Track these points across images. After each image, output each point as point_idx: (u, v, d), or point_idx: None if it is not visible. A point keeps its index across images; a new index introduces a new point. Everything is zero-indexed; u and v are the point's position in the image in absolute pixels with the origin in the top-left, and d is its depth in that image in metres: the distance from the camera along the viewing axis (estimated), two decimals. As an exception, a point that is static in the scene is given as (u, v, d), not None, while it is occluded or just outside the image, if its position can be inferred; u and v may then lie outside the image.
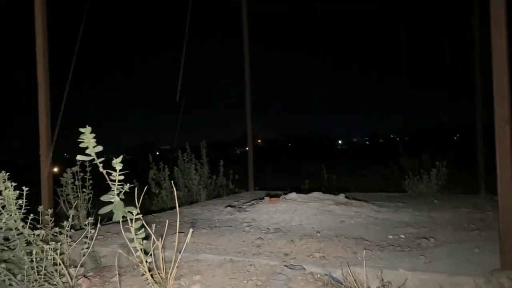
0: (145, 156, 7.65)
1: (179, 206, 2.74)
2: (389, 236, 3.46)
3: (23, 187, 3.04)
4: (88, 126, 2.41)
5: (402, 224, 3.95)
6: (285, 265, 2.76)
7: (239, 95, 7.46)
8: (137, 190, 2.51)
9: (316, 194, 5.04)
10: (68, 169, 4.89)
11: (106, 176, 2.38)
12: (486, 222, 3.93)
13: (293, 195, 4.95)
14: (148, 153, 7.86)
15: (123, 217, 2.34)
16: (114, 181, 2.36)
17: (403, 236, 3.46)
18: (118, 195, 2.37)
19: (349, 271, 2.56)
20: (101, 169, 2.40)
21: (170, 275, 2.48)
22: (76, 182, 4.88)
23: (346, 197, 4.99)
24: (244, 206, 5.05)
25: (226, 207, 5.06)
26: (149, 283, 2.44)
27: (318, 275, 2.66)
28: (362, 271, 2.51)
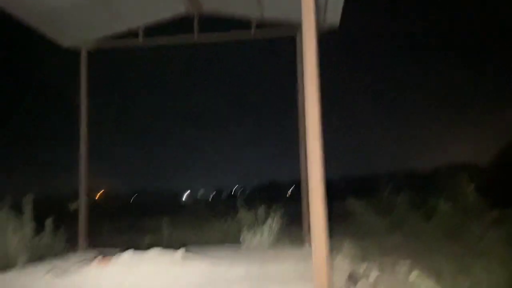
0: None
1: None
2: (221, 293, 3.48)
3: None
4: None
5: (236, 278, 4.03)
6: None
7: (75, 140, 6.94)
8: None
9: (154, 251, 4.86)
10: None
11: None
12: (309, 272, 4.26)
13: (127, 254, 4.68)
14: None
15: None
16: None
17: (235, 292, 3.52)
18: None
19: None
20: None
21: None
22: None
23: (185, 253, 4.91)
24: (71, 270, 4.55)
25: (48, 271, 4.49)
26: None
27: None
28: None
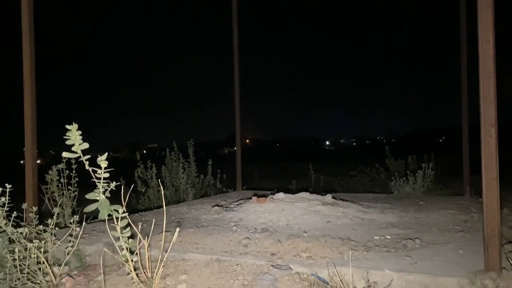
0: (132, 154, 7.62)
1: (166, 205, 2.73)
2: (375, 237, 3.48)
3: (6, 185, 3.00)
4: (75, 123, 2.38)
5: (388, 225, 3.98)
6: (272, 265, 2.75)
7: (228, 95, 7.44)
8: (124, 188, 2.49)
9: (303, 194, 5.05)
10: (54, 166, 4.83)
11: (92, 174, 2.35)
12: (471, 223, 3.98)
13: (280, 195, 4.96)
14: (135, 151, 7.83)
15: (109, 215, 2.31)
16: (100, 179, 2.33)
17: (389, 237, 3.48)
18: (103, 193, 2.35)
19: (335, 271, 2.57)
20: (87, 167, 2.37)
21: (156, 274, 2.46)
22: (62, 180, 4.82)
23: (333, 197, 5.00)
24: (232, 206, 5.04)
25: (214, 206, 5.04)
26: (134, 282, 2.41)
27: (305, 275, 2.66)
28: (348, 272, 2.52)
